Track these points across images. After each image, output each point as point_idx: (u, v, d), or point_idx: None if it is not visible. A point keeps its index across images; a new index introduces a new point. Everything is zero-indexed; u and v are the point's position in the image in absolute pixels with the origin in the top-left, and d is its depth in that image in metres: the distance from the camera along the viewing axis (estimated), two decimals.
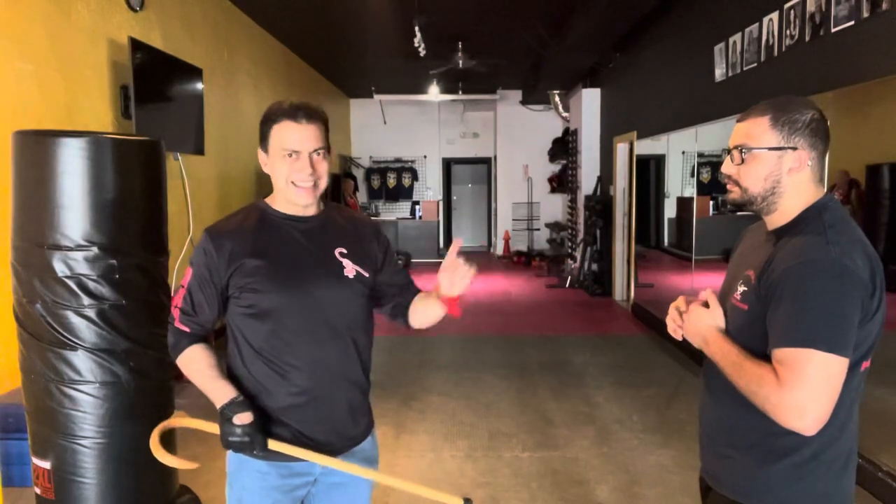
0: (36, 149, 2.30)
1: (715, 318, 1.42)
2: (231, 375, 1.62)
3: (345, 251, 1.66)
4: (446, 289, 1.62)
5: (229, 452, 1.63)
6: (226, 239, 1.58)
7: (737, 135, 1.41)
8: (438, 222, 12.63)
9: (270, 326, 1.56)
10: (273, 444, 1.54)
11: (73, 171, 2.26)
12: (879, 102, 3.47)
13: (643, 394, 4.64)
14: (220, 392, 1.54)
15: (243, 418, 1.49)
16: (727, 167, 1.43)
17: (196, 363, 1.60)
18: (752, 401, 1.29)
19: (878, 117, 3.57)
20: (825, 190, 1.41)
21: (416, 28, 6.69)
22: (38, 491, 2.42)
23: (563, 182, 11.34)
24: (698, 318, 1.43)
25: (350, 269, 1.65)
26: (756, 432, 1.36)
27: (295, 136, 1.55)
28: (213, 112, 5.78)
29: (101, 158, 2.31)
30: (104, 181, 2.31)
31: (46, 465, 2.37)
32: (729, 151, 1.43)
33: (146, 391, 2.44)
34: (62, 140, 2.27)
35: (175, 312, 1.62)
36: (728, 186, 1.45)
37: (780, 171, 1.36)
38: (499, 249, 12.99)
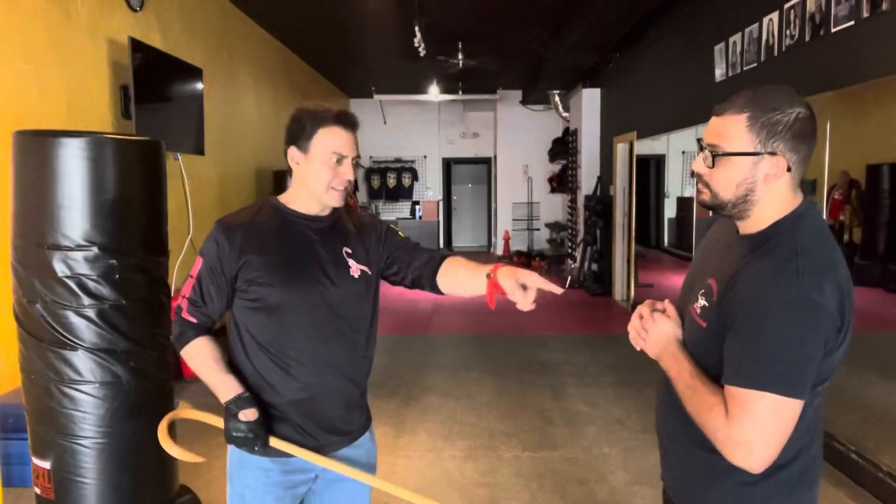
0: (36, 149, 2.30)
1: (675, 329, 1.35)
2: (233, 369, 1.64)
3: (350, 251, 1.69)
4: (509, 287, 1.48)
5: (230, 449, 1.64)
6: (238, 231, 1.60)
7: (710, 131, 1.26)
8: (438, 222, 12.63)
9: (276, 321, 1.59)
10: (274, 442, 1.56)
11: (73, 171, 2.26)
12: (879, 102, 3.48)
13: (643, 394, 4.63)
14: (226, 386, 1.56)
15: (248, 414, 1.53)
16: (698, 166, 1.28)
17: (202, 356, 1.61)
18: (701, 428, 1.22)
19: (878, 117, 3.57)
20: (803, 196, 1.28)
21: (416, 28, 6.69)
22: (38, 491, 2.42)
23: (563, 182, 11.34)
24: (658, 329, 1.35)
25: (355, 268, 1.68)
26: (703, 448, 1.26)
27: (345, 142, 1.61)
28: (213, 112, 5.78)
29: (101, 158, 2.31)
30: (104, 181, 2.31)
31: (46, 465, 2.37)
32: (700, 146, 1.28)
33: (146, 391, 2.44)
34: (62, 140, 2.27)
35: (183, 303, 1.62)
36: (698, 186, 1.31)
37: (754, 179, 1.22)
38: (499, 249, 12.98)
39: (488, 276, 1.54)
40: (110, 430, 2.35)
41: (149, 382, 2.45)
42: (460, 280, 1.69)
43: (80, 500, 2.36)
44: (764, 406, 1.14)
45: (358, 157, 1.65)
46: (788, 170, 1.22)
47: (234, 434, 1.53)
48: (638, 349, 1.40)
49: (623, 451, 3.72)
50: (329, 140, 1.60)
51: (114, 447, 2.36)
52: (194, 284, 1.62)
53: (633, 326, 1.39)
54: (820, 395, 1.31)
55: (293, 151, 1.64)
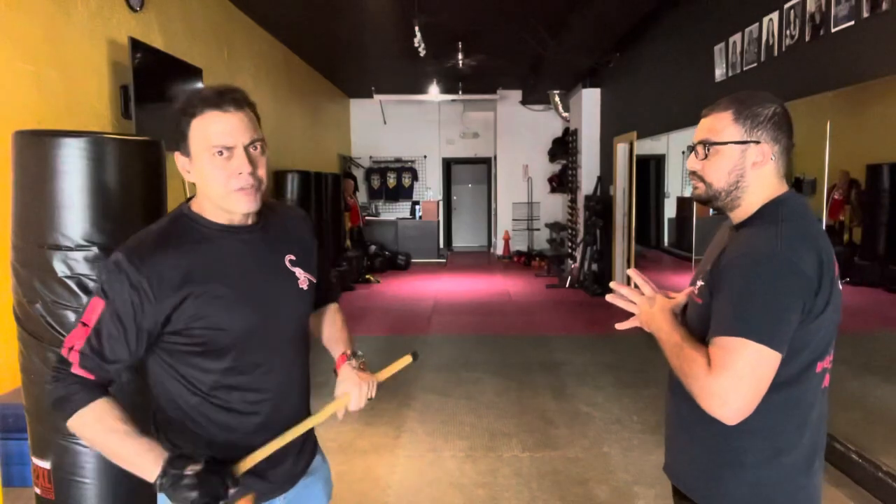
0: (36, 149, 2.30)
1: (665, 300, 1.44)
2: (162, 431, 1.36)
3: (294, 258, 1.45)
4: (343, 388, 1.43)
5: None
6: (159, 264, 1.25)
7: (701, 130, 1.41)
8: (438, 222, 12.64)
9: (227, 364, 1.32)
10: (245, 466, 1.31)
11: (73, 171, 2.26)
12: (879, 102, 3.47)
13: (643, 394, 4.63)
14: (150, 453, 1.22)
15: (195, 467, 1.19)
16: (692, 163, 1.42)
17: (106, 420, 1.24)
18: (685, 384, 1.29)
19: (878, 117, 3.57)
20: (788, 186, 1.41)
21: (416, 28, 6.69)
22: (38, 491, 2.42)
23: (563, 182, 11.35)
24: (650, 303, 1.45)
25: (303, 279, 1.45)
26: (710, 431, 1.34)
27: (223, 128, 1.26)
28: None
29: (101, 158, 2.31)
30: (104, 181, 2.31)
31: (46, 465, 2.37)
32: (693, 147, 1.42)
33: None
34: (62, 140, 2.27)
35: (73, 356, 1.25)
36: (693, 182, 1.44)
37: (743, 165, 1.36)
38: (499, 249, 12.99)
39: (334, 370, 1.50)
40: None
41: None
42: (322, 334, 1.62)
43: (80, 500, 2.36)
44: (742, 356, 1.21)
45: (258, 140, 1.30)
46: (772, 158, 1.36)
47: (196, 494, 1.17)
48: (631, 324, 1.52)
49: (623, 451, 3.72)
50: (203, 132, 1.26)
51: None
52: (90, 335, 1.25)
53: (630, 293, 1.51)
54: (817, 379, 1.34)
55: (178, 158, 1.32)
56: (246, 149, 1.28)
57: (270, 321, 1.37)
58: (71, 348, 1.26)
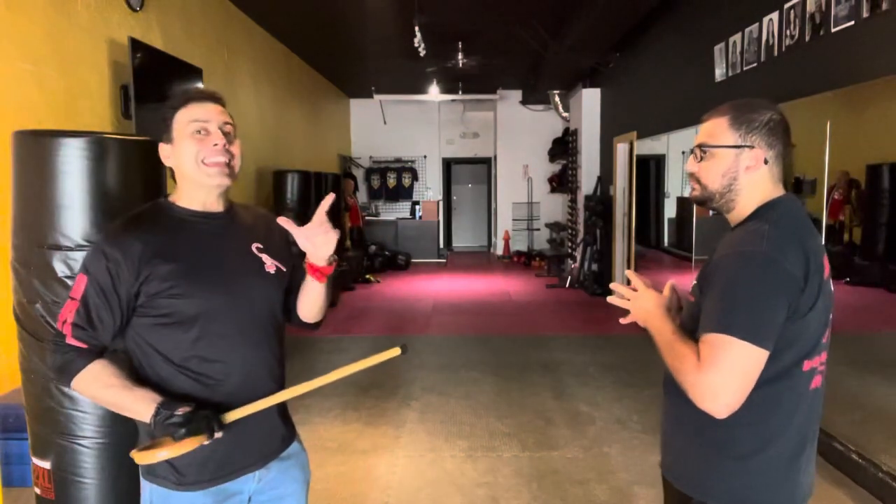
0: (36, 149, 2.30)
1: (659, 298, 1.47)
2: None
3: (261, 246, 1.57)
4: (310, 255, 1.52)
5: (146, 490, 1.48)
6: (132, 241, 1.40)
7: (700, 134, 1.46)
8: (438, 222, 12.63)
9: (196, 334, 1.42)
10: (231, 416, 1.41)
11: (73, 171, 2.26)
12: (879, 102, 3.47)
13: (643, 394, 4.63)
14: (145, 399, 1.36)
15: (185, 408, 1.33)
16: (690, 165, 1.48)
17: (102, 378, 1.39)
18: (677, 379, 1.33)
19: (878, 117, 3.57)
20: (784, 190, 1.44)
21: (416, 28, 6.69)
22: (38, 491, 2.42)
23: (563, 182, 11.35)
24: (643, 298, 1.49)
25: (270, 264, 1.56)
26: (699, 425, 1.39)
27: (202, 111, 1.48)
28: None
29: (101, 158, 2.31)
30: (104, 181, 2.31)
31: (46, 465, 2.37)
32: (692, 151, 1.48)
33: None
34: (62, 140, 2.27)
35: (66, 328, 1.40)
36: (691, 184, 1.50)
37: (737, 169, 1.40)
38: (499, 249, 12.99)
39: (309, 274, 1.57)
40: (110, 430, 2.35)
41: None
42: (302, 298, 1.63)
43: (80, 500, 2.36)
44: (729, 352, 1.25)
45: (230, 123, 1.50)
46: (766, 162, 1.40)
47: (182, 430, 1.31)
48: (628, 320, 1.54)
49: (623, 451, 3.72)
50: (184, 118, 1.47)
51: (114, 447, 2.36)
52: (78, 308, 1.40)
53: (623, 292, 1.53)
54: (804, 377, 1.36)
55: (162, 148, 1.52)
56: (220, 127, 1.47)
57: (236, 298, 1.47)
58: (64, 322, 1.41)
